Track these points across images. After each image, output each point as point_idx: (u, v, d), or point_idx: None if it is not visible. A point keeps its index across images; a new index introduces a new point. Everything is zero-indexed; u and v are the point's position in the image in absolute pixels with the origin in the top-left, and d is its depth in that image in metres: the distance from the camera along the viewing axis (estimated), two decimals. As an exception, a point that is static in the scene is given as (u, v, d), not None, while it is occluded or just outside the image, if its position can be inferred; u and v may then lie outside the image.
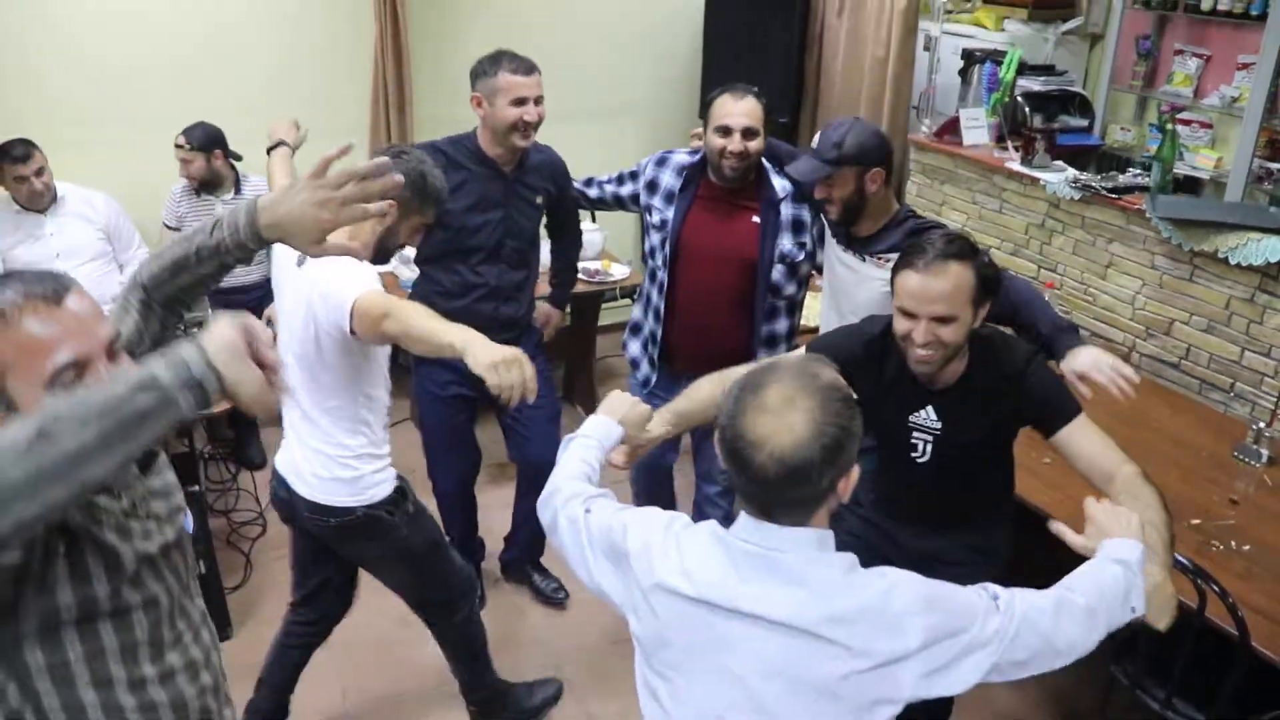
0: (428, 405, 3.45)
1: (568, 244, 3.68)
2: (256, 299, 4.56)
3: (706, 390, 2.37)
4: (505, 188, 3.20)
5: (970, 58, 4.87)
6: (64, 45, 4.43)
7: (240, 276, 4.50)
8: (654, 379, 3.33)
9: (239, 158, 4.43)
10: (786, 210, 3.10)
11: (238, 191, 4.46)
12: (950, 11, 5.09)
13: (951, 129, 4.69)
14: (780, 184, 3.11)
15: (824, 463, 1.44)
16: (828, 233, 3.09)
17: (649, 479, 3.61)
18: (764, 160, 3.11)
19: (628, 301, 4.72)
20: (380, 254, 2.47)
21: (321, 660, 3.06)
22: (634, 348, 3.42)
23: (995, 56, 4.74)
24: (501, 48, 3.14)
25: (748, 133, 2.97)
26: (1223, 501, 3.02)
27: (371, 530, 2.64)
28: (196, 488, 3.47)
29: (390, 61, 4.83)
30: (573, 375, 5.22)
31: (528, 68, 3.07)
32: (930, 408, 2.38)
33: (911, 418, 2.40)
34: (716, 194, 3.11)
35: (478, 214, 3.18)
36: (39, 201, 4.17)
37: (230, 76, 4.72)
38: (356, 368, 2.48)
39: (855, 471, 1.52)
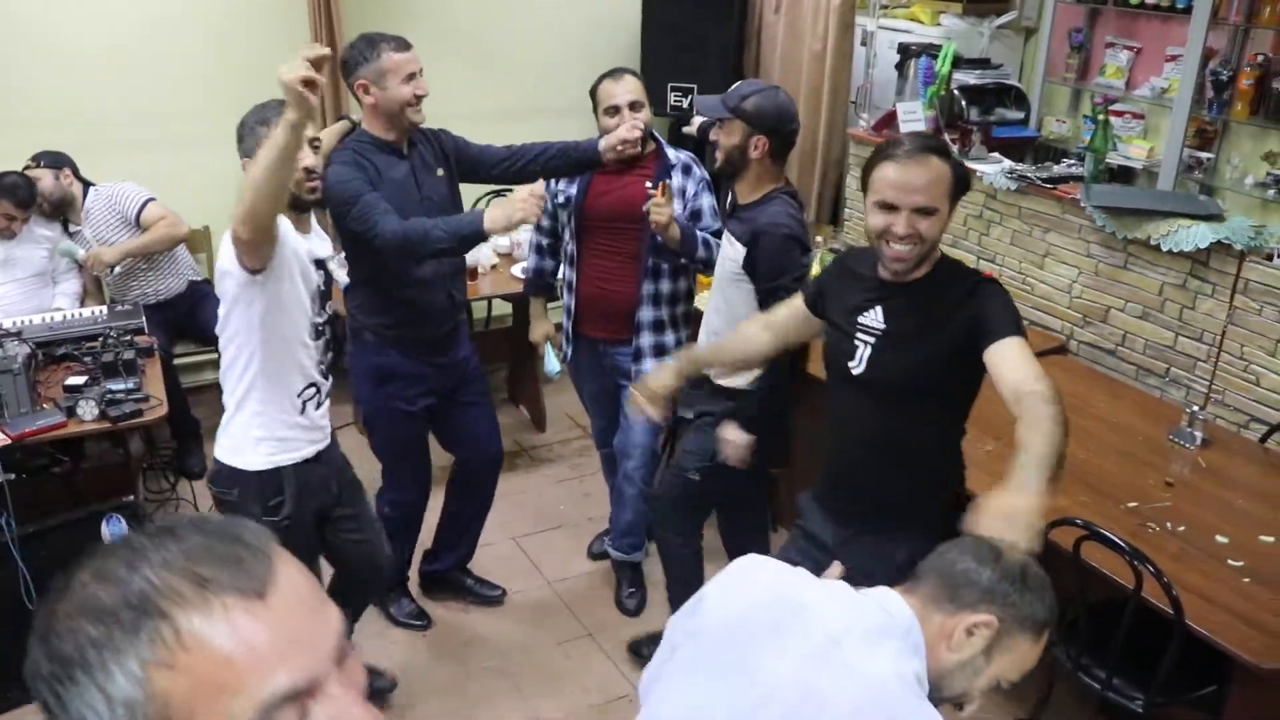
0: (397, 422, 3.33)
1: (540, 150, 3.34)
2: (187, 308, 4.49)
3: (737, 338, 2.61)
4: (409, 167, 3.13)
5: (906, 52, 4.90)
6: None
7: (164, 293, 4.44)
8: (569, 353, 3.68)
9: (90, 183, 4.33)
10: (677, 178, 3.38)
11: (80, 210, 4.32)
12: (886, 6, 5.13)
13: (889, 122, 4.72)
14: (674, 154, 3.44)
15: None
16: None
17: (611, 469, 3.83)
18: (656, 135, 3.43)
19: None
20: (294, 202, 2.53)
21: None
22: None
23: (931, 50, 4.78)
24: (374, 32, 3.11)
25: (634, 105, 3.29)
26: (1158, 484, 3.05)
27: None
28: (132, 498, 3.41)
29: (325, 69, 4.76)
30: (516, 376, 5.18)
31: (406, 43, 3.08)
32: (879, 307, 2.31)
33: (860, 318, 2.34)
34: (612, 167, 3.36)
35: (401, 200, 3.05)
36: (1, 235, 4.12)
37: (156, 81, 4.66)
38: (253, 320, 2.45)
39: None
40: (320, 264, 2.66)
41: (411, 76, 3.04)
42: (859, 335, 2.34)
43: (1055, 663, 2.85)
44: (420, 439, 3.43)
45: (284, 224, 2.45)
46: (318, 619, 0.78)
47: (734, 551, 3.52)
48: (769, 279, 2.85)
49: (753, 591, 1.63)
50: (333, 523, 2.82)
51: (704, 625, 1.62)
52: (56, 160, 4.22)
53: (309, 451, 2.66)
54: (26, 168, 4.17)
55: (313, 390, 2.64)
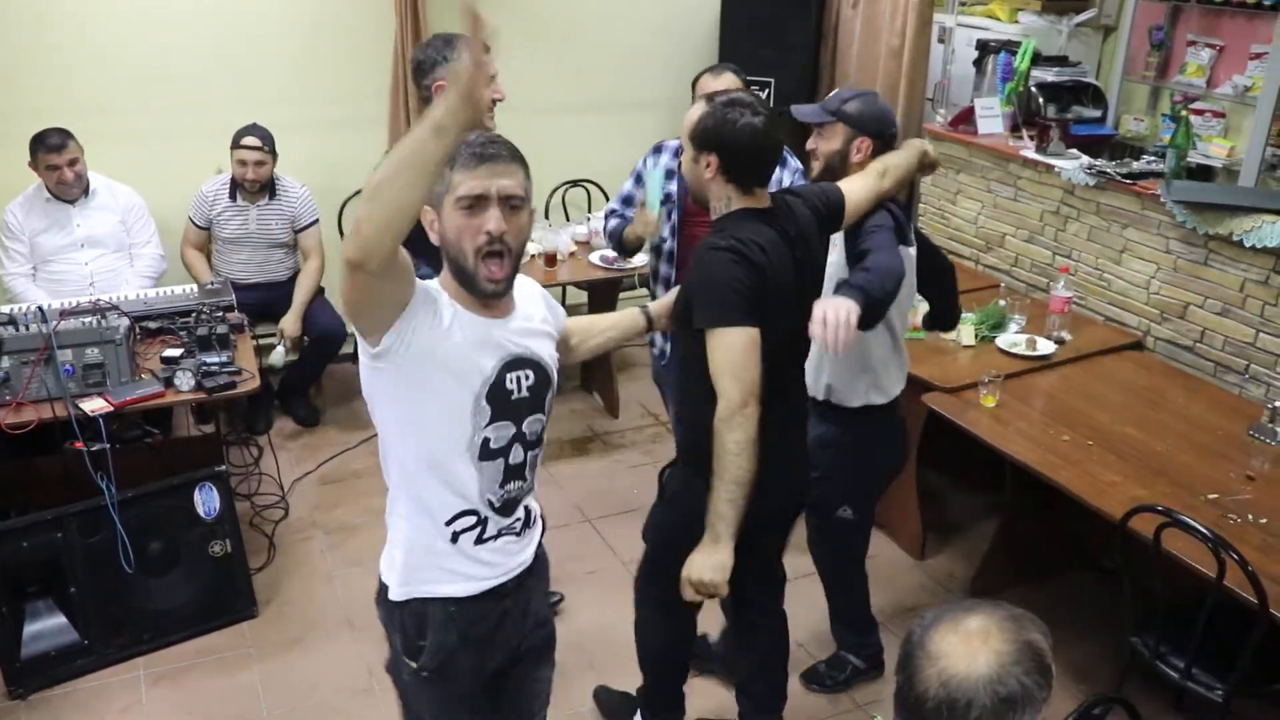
0: None
1: None
2: (277, 297, 4.61)
3: None
4: None
5: (985, 48, 4.92)
6: (89, 41, 4.52)
7: (257, 275, 4.61)
8: (667, 349, 3.59)
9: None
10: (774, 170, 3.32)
11: (272, 196, 4.55)
12: (964, 3, 5.14)
13: (966, 118, 4.74)
14: None
15: (992, 714, 1.31)
16: None
17: None
18: None
19: (645, 290, 4.78)
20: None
21: None
22: None
23: (1009, 47, 4.79)
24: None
25: None
26: (1239, 478, 3.05)
27: (391, 647, 2.11)
28: (222, 467, 3.52)
29: (410, 54, 4.87)
30: (589, 362, 5.24)
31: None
32: None
33: None
34: None
35: None
36: (67, 192, 4.24)
37: (253, 71, 4.79)
38: (385, 414, 1.92)
39: None
40: (530, 362, 1.96)
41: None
42: None
43: (1133, 652, 2.85)
44: None
45: (435, 296, 1.85)
46: None
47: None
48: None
49: None
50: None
51: None
52: (273, 146, 4.46)
53: (460, 590, 1.99)
54: (252, 146, 4.40)
55: (472, 520, 1.97)
